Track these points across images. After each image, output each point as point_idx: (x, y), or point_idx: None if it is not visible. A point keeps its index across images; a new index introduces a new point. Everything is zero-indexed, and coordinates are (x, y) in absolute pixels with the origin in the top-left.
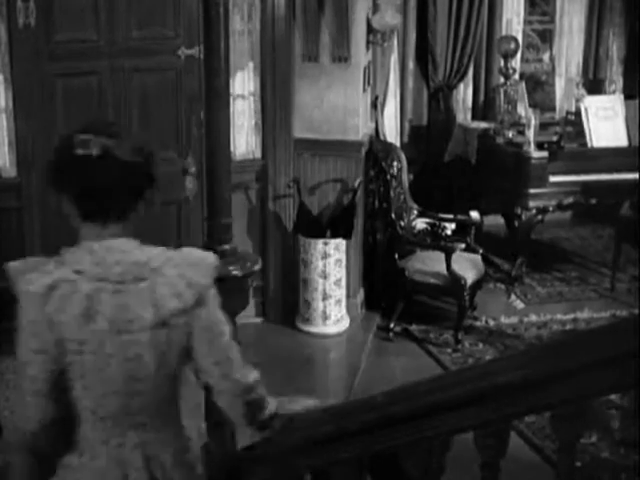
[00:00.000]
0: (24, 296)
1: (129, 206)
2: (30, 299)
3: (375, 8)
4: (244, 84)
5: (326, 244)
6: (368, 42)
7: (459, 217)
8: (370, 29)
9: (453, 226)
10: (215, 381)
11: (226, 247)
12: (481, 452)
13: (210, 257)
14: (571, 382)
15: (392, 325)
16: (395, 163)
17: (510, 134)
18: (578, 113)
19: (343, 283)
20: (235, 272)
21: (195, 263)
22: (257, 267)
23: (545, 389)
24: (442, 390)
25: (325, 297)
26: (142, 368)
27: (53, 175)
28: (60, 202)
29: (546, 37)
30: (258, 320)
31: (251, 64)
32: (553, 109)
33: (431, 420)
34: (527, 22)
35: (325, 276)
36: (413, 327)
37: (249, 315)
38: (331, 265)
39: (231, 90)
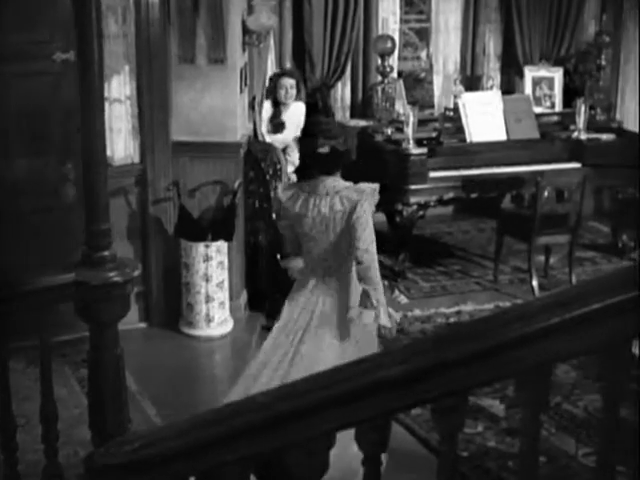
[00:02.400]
0: (281, 203)
1: (338, 167)
2: (283, 206)
3: (250, 9)
4: (120, 88)
5: (207, 247)
6: (244, 43)
7: None
8: (246, 30)
9: None
10: (359, 257)
11: (105, 253)
12: (362, 447)
13: (371, 186)
14: (452, 374)
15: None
16: (274, 163)
17: (389, 131)
18: (456, 109)
19: (226, 285)
20: (115, 278)
21: (358, 188)
22: (137, 272)
23: (426, 382)
24: (324, 387)
25: (208, 300)
26: (330, 239)
27: (307, 159)
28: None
29: (423, 35)
30: (142, 325)
31: (127, 67)
32: (432, 106)
33: (314, 418)
34: (404, 21)
35: (207, 279)
36: None
37: (132, 321)
38: (213, 268)
39: (107, 94)
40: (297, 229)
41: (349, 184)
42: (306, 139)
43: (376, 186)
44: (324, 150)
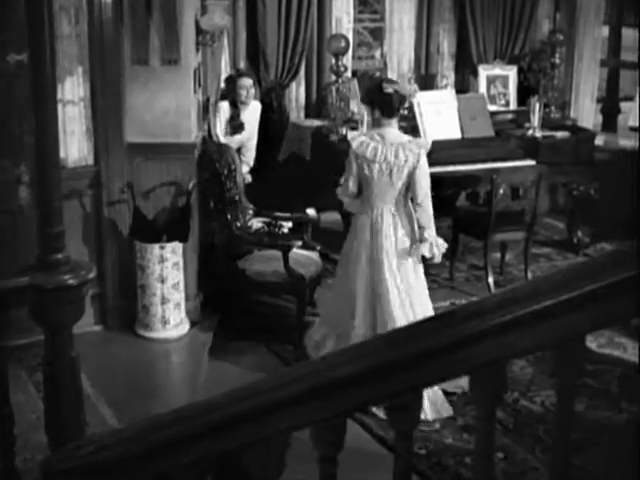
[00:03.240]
0: (352, 148)
1: (398, 110)
2: (354, 151)
3: (203, 9)
4: (74, 89)
5: (162, 248)
6: (197, 43)
7: (295, 215)
8: (199, 30)
9: (290, 224)
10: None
11: (59, 256)
12: (318, 447)
13: (427, 140)
14: (407, 372)
15: (233, 325)
16: (229, 164)
17: (343, 131)
18: (411, 108)
19: (181, 286)
20: (70, 281)
21: (418, 142)
22: (91, 275)
23: (381, 381)
24: (280, 388)
25: (164, 301)
26: (391, 181)
27: (368, 99)
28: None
29: (377, 35)
30: (98, 328)
31: (80, 69)
32: None
33: (271, 418)
34: (358, 20)
35: (163, 280)
36: (254, 326)
37: (88, 324)
38: (168, 269)
39: (61, 96)
40: (365, 172)
41: (409, 137)
42: (371, 84)
43: (429, 141)
44: (389, 91)
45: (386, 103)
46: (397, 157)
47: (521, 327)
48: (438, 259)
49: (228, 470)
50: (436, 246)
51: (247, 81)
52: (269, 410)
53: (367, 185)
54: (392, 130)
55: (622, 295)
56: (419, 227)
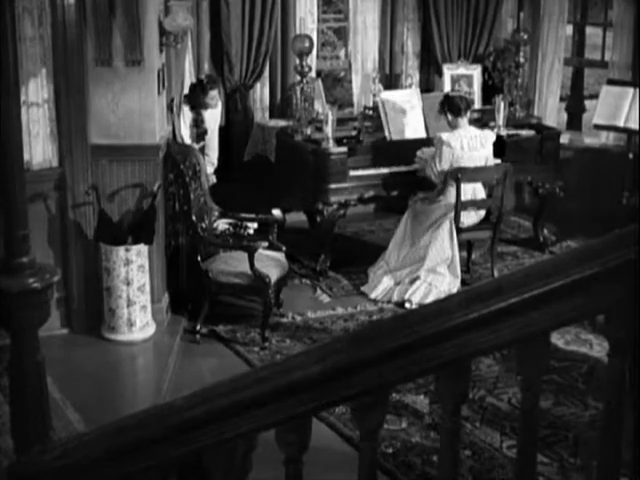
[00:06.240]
0: (445, 142)
1: (464, 110)
2: (445, 143)
3: (166, 10)
4: (38, 91)
5: (128, 250)
6: (161, 44)
7: (260, 216)
8: (162, 31)
9: (256, 225)
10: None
11: (24, 259)
12: (283, 448)
13: (490, 132)
14: (371, 371)
15: (198, 327)
16: (194, 165)
17: (308, 131)
18: (376, 108)
19: (147, 289)
20: (34, 285)
21: (487, 133)
22: (56, 278)
23: (346, 380)
24: (241, 390)
25: (129, 304)
26: (476, 160)
27: (440, 107)
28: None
29: (341, 34)
30: (64, 332)
31: (44, 70)
32: (352, 105)
33: (231, 421)
34: (322, 20)
35: (128, 283)
36: (220, 328)
37: (54, 327)
38: (134, 271)
39: (25, 98)
40: (459, 162)
41: (479, 130)
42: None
43: (491, 133)
44: (454, 95)
45: (453, 105)
46: (483, 146)
47: (486, 325)
48: None
49: (191, 472)
50: None
51: (215, 91)
52: (230, 412)
53: (461, 171)
54: (468, 126)
55: (587, 292)
56: None
